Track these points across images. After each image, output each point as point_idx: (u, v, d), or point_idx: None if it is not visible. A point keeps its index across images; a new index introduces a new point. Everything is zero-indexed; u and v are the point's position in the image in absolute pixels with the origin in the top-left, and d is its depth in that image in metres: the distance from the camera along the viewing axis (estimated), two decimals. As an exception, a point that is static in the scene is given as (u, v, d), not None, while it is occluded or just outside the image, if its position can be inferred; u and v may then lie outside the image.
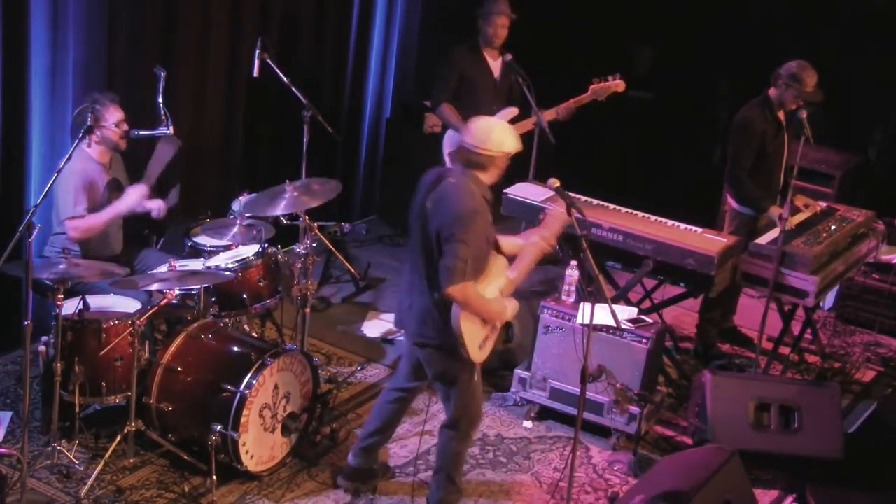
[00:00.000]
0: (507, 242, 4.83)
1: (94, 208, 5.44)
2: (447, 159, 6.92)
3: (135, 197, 5.54)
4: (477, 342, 4.65)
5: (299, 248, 5.77)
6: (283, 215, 5.92)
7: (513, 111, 7.03)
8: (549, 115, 6.87)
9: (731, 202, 6.58)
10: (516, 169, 6.99)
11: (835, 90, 8.14)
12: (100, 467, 4.98)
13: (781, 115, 6.40)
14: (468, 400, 4.82)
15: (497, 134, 4.59)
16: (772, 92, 6.37)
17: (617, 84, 6.89)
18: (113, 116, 5.41)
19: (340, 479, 5.17)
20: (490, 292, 4.66)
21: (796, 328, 6.69)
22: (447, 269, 4.45)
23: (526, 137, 6.96)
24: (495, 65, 7.08)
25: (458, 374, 4.74)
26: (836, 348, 7.10)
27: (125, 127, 5.47)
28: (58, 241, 5.43)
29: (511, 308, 4.76)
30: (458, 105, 6.89)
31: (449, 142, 6.89)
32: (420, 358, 4.81)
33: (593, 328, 4.72)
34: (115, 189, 5.61)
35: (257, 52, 6.15)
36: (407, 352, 4.99)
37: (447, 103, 6.90)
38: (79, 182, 5.35)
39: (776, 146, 6.41)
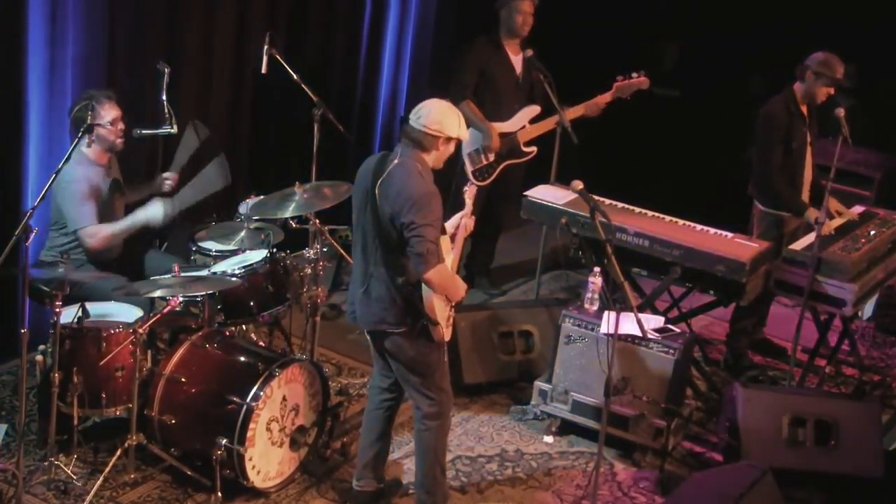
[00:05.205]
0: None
1: (98, 213, 5.45)
2: (466, 160, 6.92)
3: (157, 211, 5.52)
4: (444, 321, 4.77)
5: (309, 253, 5.78)
6: (292, 218, 5.93)
7: (535, 109, 7.03)
8: (577, 110, 6.89)
9: (757, 203, 6.57)
10: (537, 171, 7.06)
11: (874, 87, 8.11)
12: (99, 483, 4.99)
13: (805, 109, 6.41)
14: (443, 380, 4.91)
15: (442, 115, 4.67)
16: (797, 86, 6.39)
17: (641, 81, 6.91)
18: (108, 115, 5.40)
19: None
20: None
21: (833, 339, 6.66)
22: (420, 255, 4.54)
23: (548, 138, 7.03)
24: (517, 60, 7.06)
25: (430, 356, 4.81)
26: (875, 360, 7.08)
27: (122, 126, 5.46)
28: (56, 244, 5.45)
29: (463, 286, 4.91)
30: (477, 102, 6.88)
31: (470, 141, 6.88)
32: (385, 349, 4.85)
33: (618, 338, 4.70)
34: (117, 191, 5.61)
35: (265, 47, 6.15)
36: (371, 347, 4.99)
37: (468, 100, 6.87)
38: (84, 188, 5.36)
39: (800, 142, 6.41)
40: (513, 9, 6.91)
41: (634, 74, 6.91)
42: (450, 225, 5.00)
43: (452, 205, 6.62)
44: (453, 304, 4.84)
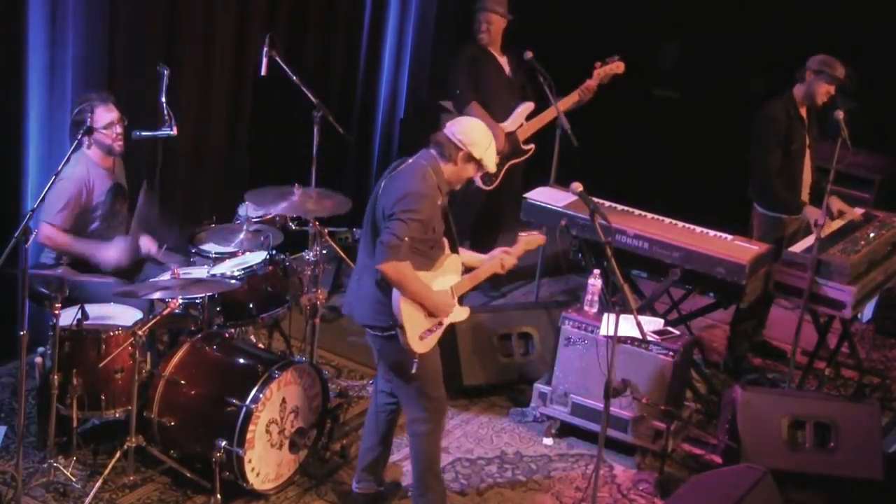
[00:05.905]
0: (467, 255, 4.95)
1: (88, 213, 5.44)
2: None
3: (112, 256, 5.40)
4: (418, 331, 4.66)
5: (309, 255, 5.77)
6: (292, 220, 5.94)
7: (529, 106, 7.08)
8: (567, 102, 6.94)
9: (756, 206, 6.58)
10: (537, 173, 7.06)
11: (874, 89, 8.10)
12: (98, 485, 4.99)
13: (804, 112, 6.42)
14: (430, 387, 4.82)
15: (474, 133, 4.66)
16: (797, 89, 6.40)
17: (617, 66, 7.02)
18: (104, 119, 5.36)
19: None
20: (438, 284, 4.72)
21: (833, 341, 6.66)
22: (381, 244, 4.50)
23: (548, 140, 7.04)
24: (503, 60, 7.16)
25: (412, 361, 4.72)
26: (874, 362, 7.07)
27: (119, 129, 5.43)
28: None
29: (460, 312, 4.82)
30: None
31: None
32: (374, 347, 4.84)
33: (618, 340, 4.71)
34: (119, 195, 5.59)
35: (265, 49, 6.14)
36: (370, 345, 4.95)
37: (475, 101, 6.92)
38: (71, 189, 5.34)
39: (799, 144, 6.42)
40: (477, 19, 7.04)
41: (609, 60, 7.02)
42: (476, 257, 4.98)
43: (458, 208, 6.64)
44: (439, 320, 4.75)
